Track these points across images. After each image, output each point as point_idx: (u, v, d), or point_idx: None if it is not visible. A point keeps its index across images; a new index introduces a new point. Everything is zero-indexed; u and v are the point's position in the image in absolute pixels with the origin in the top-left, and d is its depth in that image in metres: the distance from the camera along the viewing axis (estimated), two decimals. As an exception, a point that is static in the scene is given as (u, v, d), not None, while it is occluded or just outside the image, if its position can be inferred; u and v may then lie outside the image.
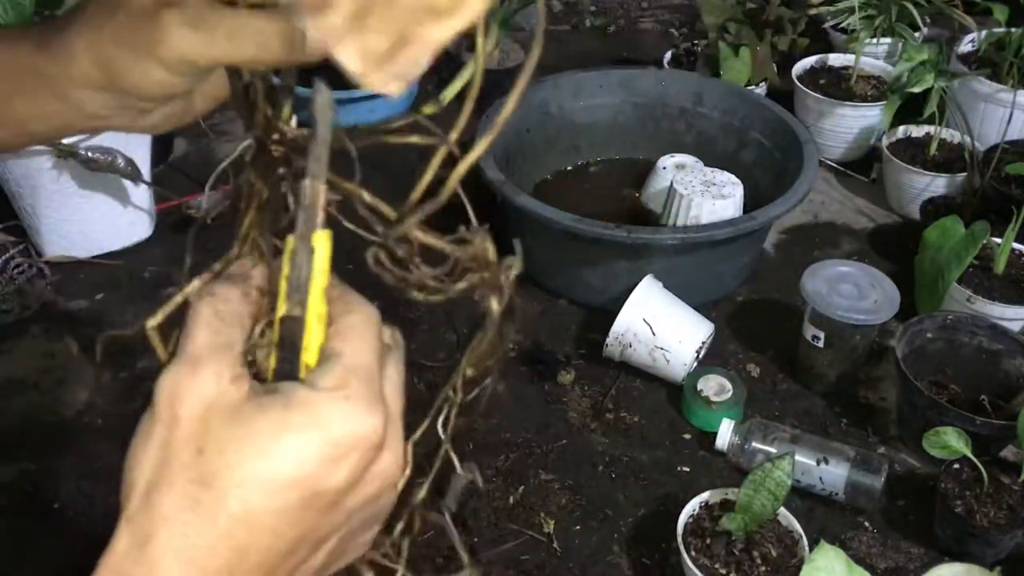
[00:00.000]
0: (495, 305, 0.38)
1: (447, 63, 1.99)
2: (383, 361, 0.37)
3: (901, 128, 1.56)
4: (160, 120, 0.45)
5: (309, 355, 0.35)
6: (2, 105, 0.44)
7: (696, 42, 1.85)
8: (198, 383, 0.34)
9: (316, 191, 0.35)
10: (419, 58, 0.29)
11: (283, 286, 0.35)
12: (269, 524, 0.33)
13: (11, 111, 0.44)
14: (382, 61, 0.29)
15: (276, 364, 0.36)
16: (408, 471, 0.40)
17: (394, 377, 0.38)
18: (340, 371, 0.35)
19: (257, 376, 0.36)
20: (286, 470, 0.33)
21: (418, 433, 0.44)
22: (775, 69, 1.70)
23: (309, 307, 0.35)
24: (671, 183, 1.36)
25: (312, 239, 0.35)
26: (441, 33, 0.29)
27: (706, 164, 1.46)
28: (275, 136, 0.37)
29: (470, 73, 0.34)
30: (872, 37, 1.74)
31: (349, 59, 0.28)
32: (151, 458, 0.34)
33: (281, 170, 0.38)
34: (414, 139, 0.37)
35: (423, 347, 1.29)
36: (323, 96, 0.35)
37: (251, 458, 0.33)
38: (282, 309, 0.35)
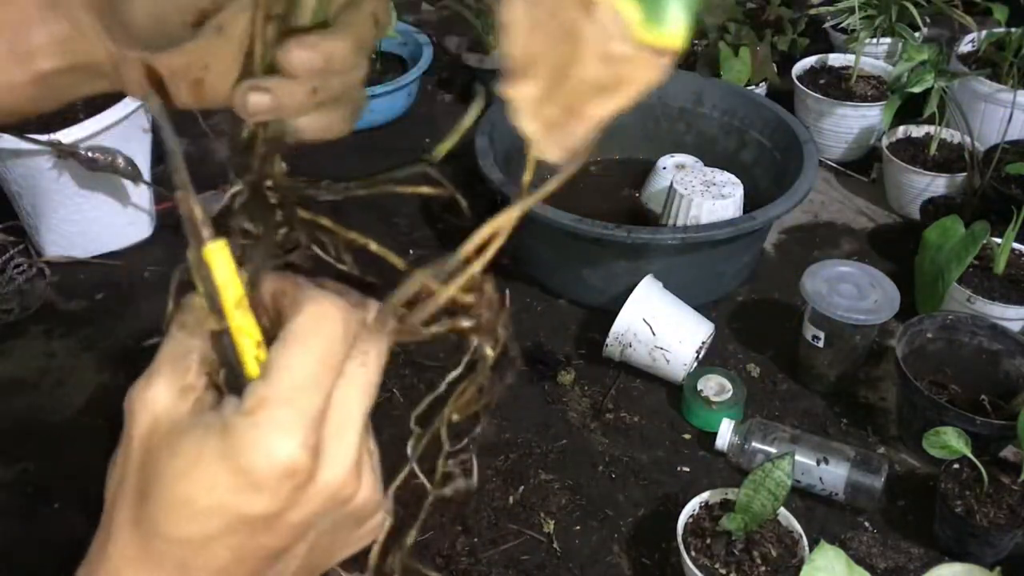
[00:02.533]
0: (489, 352, 0.39)
1: (448, 64, 2.00)
2: (335, 364, 0.34)
3: (901, 128, 1.56)
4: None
5: (251, 368, 0.34)
6: (20, 32, 0.41)
7: (696, 42, 1.85)
8: (149, 395, 0.34)
9: (187, 204, 0.34)
10: (585, 131, 0.30)
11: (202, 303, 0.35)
12: (199, 545, 0.33)
13: (31, 38, 0.41)
14: (554, 130, 0.30)
15: (224, 378, 0.35)
16: (373, 493, 0.37)
17: (356, 380, 0.35)
18: (257, 393, 0.33)
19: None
20: (200, 497, 0.32)
21: (398, 479, 0.42)
22: (775, 69, 1.70)
23: (229, 322, 0.34)
24: (671, 183, 1.36)
25: (203, 253, 0.34)
26: (605, 109, 0.29)
27: (706, 164, 1.46)
28: (267, 183, 0.38)
29: (464, 126, 0.37)
30: (872, 37, 1.74)
31: (530, 126, 0.30)
32: (115, 473, 0.35)
33: (277, 215, 0.39)
34: (423, 189, 0.38)
35: (423, 347, 1.28)
36: (154, 106, 0.35)
37: (173, 481, 0.33)
38: (209, 323, 0.35)
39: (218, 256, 0.34)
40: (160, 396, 0.34)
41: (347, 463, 0.34)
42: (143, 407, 0.34)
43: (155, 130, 1.43)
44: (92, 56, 0.41)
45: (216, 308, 0.34)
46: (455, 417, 0.41)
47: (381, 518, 0.38)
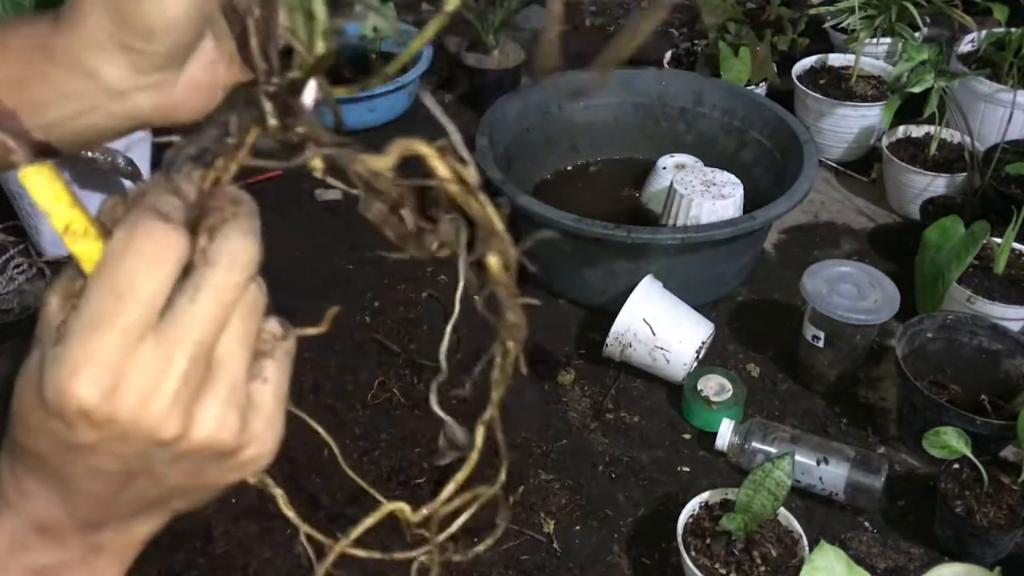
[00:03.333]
0: (494, 262, 0.36)
1: (448, 64, 1.99)
2: (134, 297, 0.33)
3: (901, 128, 1.56)
4: (185, 94, 0.42)
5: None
6: (16, 91, 0.41)
7: (696, 42, 1.85)
8: (48, 297, 0.36)
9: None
10: None
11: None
12: (41, 457, 0.35)
13: (27, 97, 0.41)
14: None
15: None
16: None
17: (179, 315, 0.33)
18: (65, 326, 0.34)
19: None
20: (29, 417, 0.35)
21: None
22: (775, 69, 1.70)
23: (69, 248, 0.34)
24: (671, 183, 1.36)
25: (20, 178, 0.33)
26: None
27: (706, 164, 1.46)
28: (270, 84, 0.36)
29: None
30: (872, 37, 1.74)
31: None
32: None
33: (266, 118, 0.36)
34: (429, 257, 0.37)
35: (423, 347, 1.29)
36: None
37: (18, 393, 0.35)
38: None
39: (35, 180, 0.33)
40: (53, 301, 0.36)
41: (160, 404, 0.33)
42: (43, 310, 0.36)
43: (155, 132, 1.43)
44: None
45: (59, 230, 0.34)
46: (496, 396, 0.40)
47: (254, 450, 0.37)
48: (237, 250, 0.34)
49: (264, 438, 0.37)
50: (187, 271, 0.33)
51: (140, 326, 0.32)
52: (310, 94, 0.35)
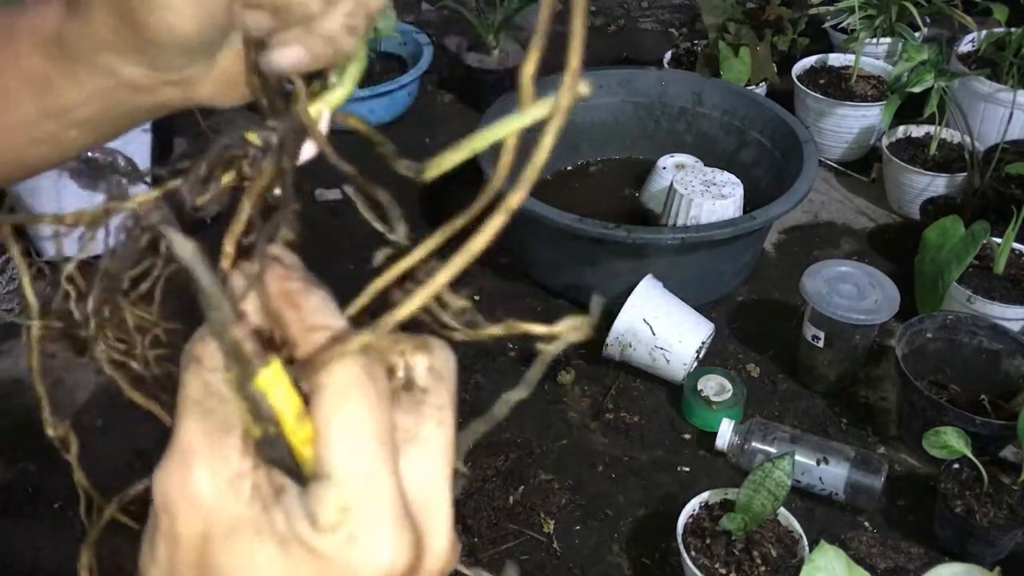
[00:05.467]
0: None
1: (448, 64, 1.99)
2: (389, 430, 0.28)
3: (901, 128, 1.56)
4: (218, 88, 0.38)
5: (304, 451, 0.28)
6: (47, 92, 0.38)
7: (696, 42, 1.85)
8: (191, 487, 0.28)
9: (231, 337, 0.27)
10: None
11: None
12: None
13: (59, 100, 0.38)
14: None
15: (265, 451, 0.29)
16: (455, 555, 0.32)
17: (435, 445, 0.30)
18: (329, 501, 0.27)
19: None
20: None
21: None
22: (775, 69, 1.70)
23: (290, 437, 0.28)
24: (671, 183, 1.36)
25: (255, 382, 0.28)
26: None
27: (706, 164, 1.46)
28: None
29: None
30: (872, 37, 1.74)
31: None
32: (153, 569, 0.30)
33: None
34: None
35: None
36: (181, 248, 0.28)
37: None
38: (253, 431, 0.28)
39: (275, 381, 0.28)
40: (206, 489, 0.28)
41: (447, 539, 0.30)
42: (187, 504, 0.28)
43: (155, 131, 1.43)
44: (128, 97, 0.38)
45: (266, 421, 0.28)
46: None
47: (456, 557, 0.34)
48: (449, 357, 0.31)
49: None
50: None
51: (395, 469, 0.28)
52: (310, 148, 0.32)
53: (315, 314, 0.30)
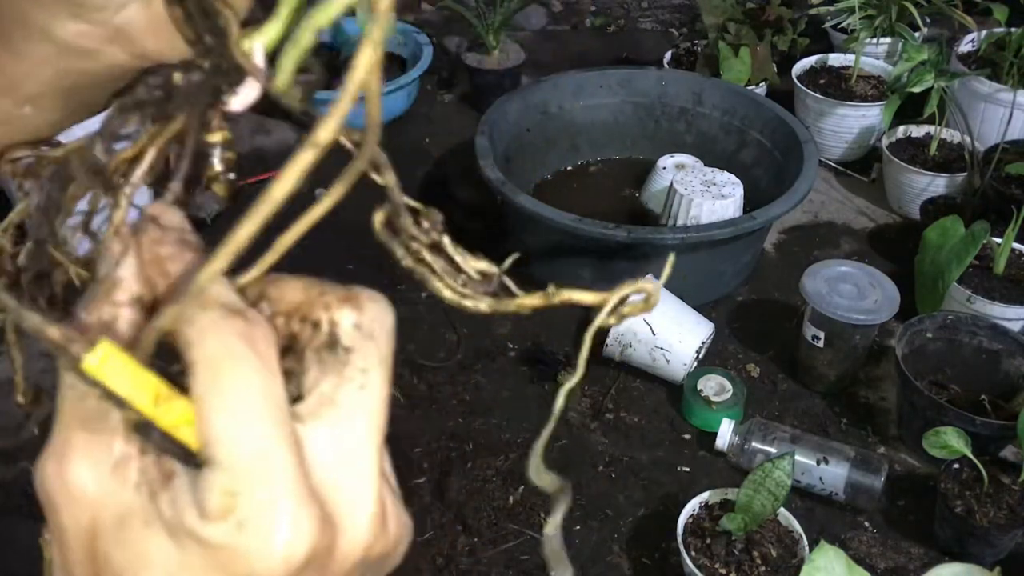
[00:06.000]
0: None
1: (448, 64, 1.99)
2: (277, 400, 0.25)
3: (901, 128, 1.56)
4: (157, 39, 0.34)
5: (184, 434, 0.25)
6: None
7: (696, 42, 1.85)
8: (70, 478, 0.25)
9: (35, 327, 0.24)
10: None
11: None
12: None
13: (2, 69, 0.35)
14: None
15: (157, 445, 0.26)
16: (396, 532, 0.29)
17: (358, 409, 0.27)
18: (215, 488, 0.24)
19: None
20: None
21: None
22: (775, 69, 1.70)
23: (155, 421, 0.25)
24: (671, 183, 1.36)
25: (83, 369, 0.24)
26: None
27: (706, 164, 1.46)
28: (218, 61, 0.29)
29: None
30: (872, 37, 1.74)
31: None
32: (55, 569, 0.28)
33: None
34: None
35: (423, 347, 1.28)
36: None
37: None
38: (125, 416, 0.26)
39: (107, 365, 0.24)
40: (86, 479, 0.25)
41: (368, 518, 0.27)
42: (68, 496, 0.26)
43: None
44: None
45: (128, 410, 0.25)
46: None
47: (408, 541, 0.31)
48: (383, 312, 0.28)
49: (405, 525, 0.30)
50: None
51: (291, 438, 0.25)
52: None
53: (184, 280, 0.26)
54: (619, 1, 2.29)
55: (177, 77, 0.31)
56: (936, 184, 1.47)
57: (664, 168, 1.49)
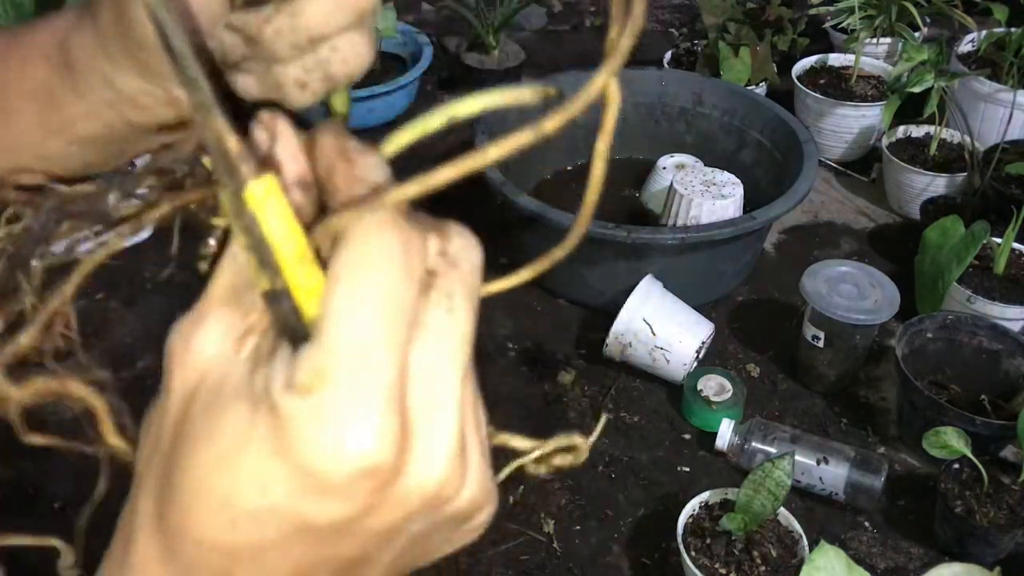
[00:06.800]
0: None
1: (448, 64, 1.99)
2: (406, 312, 0.24)
3: (901, 128, 1.56)
4: None
5: (309, 307, 0.25)
6: (48, 104, 0.37)
7: (696, 42, 1.85)
8: (197, 339, 0.26)
9: (215, 128, 0.24)
10: None
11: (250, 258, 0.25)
12: (248, 556, 0.25)
13: (60, 113, 0.37)
14: None
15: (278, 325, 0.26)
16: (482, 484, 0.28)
17: (444, 333, 0.25)
18: (312, 363, 0.23)
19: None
20: (247, 499, 0.24)
21: None
22: (775, 69, 1.70)
23: (289, 281, 0.25)
24: (671, 183, 1.36)
25: (244, 196, 0.24)
26: None
27: (706, 164, 1.46)
28: None
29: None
30: (872, 37, 1.74)
31: None
32: (147, 439, 0.28)
33: None
34: None
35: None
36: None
37: (208, 473, 0.24)
38: (260, 282, 0.25)
39: (267, 200, 0.24)
40: (211, 341, 0.25)
41: (446, 452, 0.25)
42: (188, 354, 0.26)
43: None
44: (138, 114, 0.37)
45: (269, 264, 0.24)
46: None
47: (489, 510, 0.29)
48: (471, 246, 0.27)
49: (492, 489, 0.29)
50: None
51: (402, 350, 0.24)
52: None
53: (368, 170, 0.26)
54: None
55: (206, 159, 0.32)
56: (936, 184, 1.47)
57: (664, 168, 1.49)
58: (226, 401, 0.25)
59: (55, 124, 0.38)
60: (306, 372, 0.23)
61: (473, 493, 0.27)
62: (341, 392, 0.23)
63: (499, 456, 0.32)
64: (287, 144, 0.26)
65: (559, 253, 0.29)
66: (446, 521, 0.27)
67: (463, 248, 0.27)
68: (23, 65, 0.38)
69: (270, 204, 0.24)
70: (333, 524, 0.25)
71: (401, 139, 0.27)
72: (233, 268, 0.26)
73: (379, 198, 0.25)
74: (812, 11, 1.84)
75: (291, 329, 0.25)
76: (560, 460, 0.30)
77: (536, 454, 0.30)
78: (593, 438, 0.29)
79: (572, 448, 0.29)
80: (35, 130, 0.39)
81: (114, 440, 0.31)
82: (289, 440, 0.23)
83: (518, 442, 0.30)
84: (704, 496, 1.00)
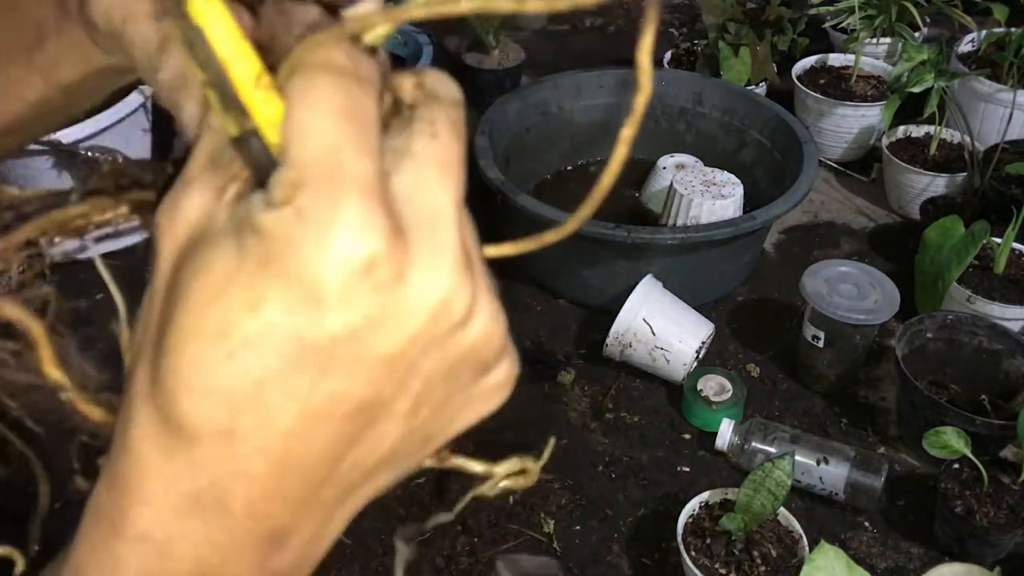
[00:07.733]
0: None
1: (448, 64, 1.99)
2: (369, 115, 0.24)
3: (901, 128, 1.56)
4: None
5: (274, 135, 0.25)
6: (37, 47, 0.36)
7: (696, 42, 1.85)
8: (182, 207, 0.25)
9: None
10: None
11: (207, 94, 0.24)
12: (248, 395, 0.23)
13: (45, 55, 0.36)
14: None
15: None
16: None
17: (429, 156, 0.25)
18: (285, 179, 0.23)
19: None
20: (240, 323, 0.23)
21: None
22: (775, 69, 1.70)
23: (250, 112, 0.24)
24: (671, 183, 1.36)
25: (189, 12, 0.23)
26: None
27: (706, 164, 1.46)
28: None
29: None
30: (872, 37, 1.74)
31: None
32: (141, 321, 0.27)
33: None
34: None
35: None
36: None
37: (199, 310, 0.23)
38: (229, 128, 0.24)
39: (212, 15, 0.23)
40: (194, 204, 0.25)
41: (449, 259, 0.24)
42: (174, 223, 0.25)
43: (155, 131, 1.43)
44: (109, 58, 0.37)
45: (230, 99, 0.24)
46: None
47: (509, 366, 0.28)
48: (447, 80, 0.27)
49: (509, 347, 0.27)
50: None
51: (375, 152, 0.24)
52: None
53: (303, 13, 0.27)
54: (619, 1, 2.29)
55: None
56: (936, 184, 1.47)
57: (664, 168, 1.49)
58: (211, 239, 0.24)
59: (45, 63, 0.37)
60: (281, 187, 0.23)
61: (486, 323, 0.26)
62: (319, 192, 0.22)
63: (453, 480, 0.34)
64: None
65: (572, 224, 0.29)
66: (461, 361, 0.26)
67: (439, 80, 0.27)
68: (18, 5, 0.38)
69: (215, 18, 0.23)
70: (334, 339, 0.23)
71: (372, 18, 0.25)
72: (209, 137, 0.26)
73: (325, 28, 0.24)
74: (812, 11, 1.84)
75: (265, 167, 0.24)
76: (511, 483, 0.31)
77: (490, 484, 0.30)
78: (542, 461, 0.30)
79: (523, 471, 0.30)
80: (22, 70, 0.38)
81: (52, 371, 0.30)
82: (275, 251, 0.22)
83: (472, 466, 0.30)
84: (704, 496, 1.00)
